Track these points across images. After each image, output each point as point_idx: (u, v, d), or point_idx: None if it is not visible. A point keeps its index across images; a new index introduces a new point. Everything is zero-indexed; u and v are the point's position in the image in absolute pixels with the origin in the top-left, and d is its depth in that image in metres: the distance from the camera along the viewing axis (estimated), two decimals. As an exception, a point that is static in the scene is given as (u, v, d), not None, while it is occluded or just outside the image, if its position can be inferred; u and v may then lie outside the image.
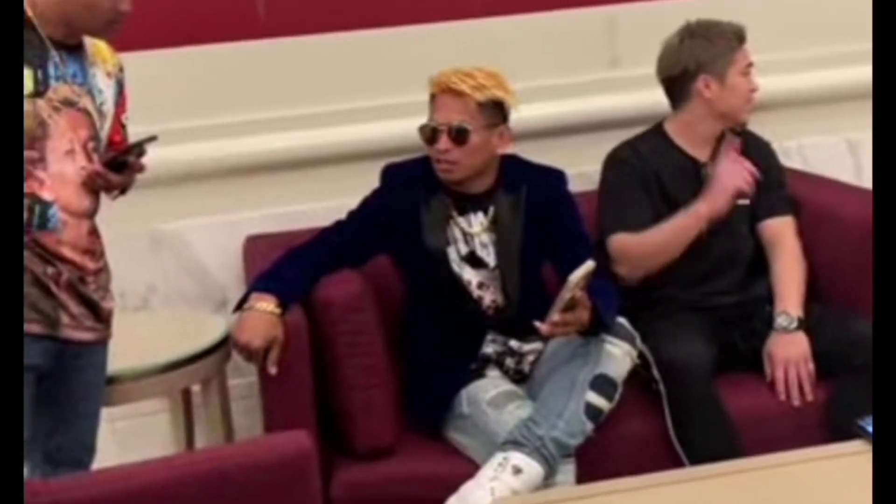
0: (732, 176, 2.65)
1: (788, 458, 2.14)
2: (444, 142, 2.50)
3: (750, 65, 2.78)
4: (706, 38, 2.74)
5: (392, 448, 2.48)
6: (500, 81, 2.52)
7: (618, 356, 2.42)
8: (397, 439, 2.50)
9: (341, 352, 2.45)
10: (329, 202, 2.81)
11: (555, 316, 2.30)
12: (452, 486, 2.30)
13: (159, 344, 2.56)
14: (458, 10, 3.04)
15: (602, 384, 2.38)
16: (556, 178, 2.64)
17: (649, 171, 2.75)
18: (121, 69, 2.19)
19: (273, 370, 2.36)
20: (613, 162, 2.80)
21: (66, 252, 2.05)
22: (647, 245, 2.68)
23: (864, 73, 3.12)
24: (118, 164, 2.10)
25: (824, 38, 3.26)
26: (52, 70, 2.02)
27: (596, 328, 2.38)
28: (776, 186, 2.84)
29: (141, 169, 2.15)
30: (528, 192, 2.58)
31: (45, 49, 2.01)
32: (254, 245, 2.87)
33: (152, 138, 2.11)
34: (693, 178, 2.77)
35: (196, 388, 2.66)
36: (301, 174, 2.96)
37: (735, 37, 2.75)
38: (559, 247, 2.57)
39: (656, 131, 2.83)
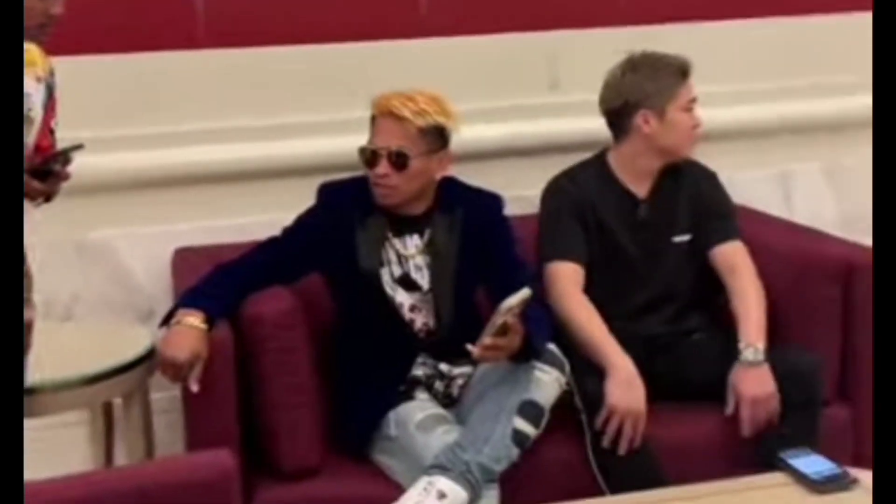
0: (628, 411, 2.48)
1: (710, 488, 2.15)
2: (383, 166, 2.48)
3: (693, 100, 2.73)
4: (649, 71, 2.70)
5: (317, 469, 2.45)
6: (443, 106, 2.50)
7: (546, 382, 2.41)
8: (323, 460, 2.47)
9: (269, 369, 2.42)
10: (262, 217, 2.77)
11: (486, 339, 2.29)
12: (376, 510, 2.28)
13: (82, 355, 2.50)
14: (402, 29, 3.03)
15: (530, 410, 2.38)
16: (493, 201, 2.63)
17: (586, 201, 2.74)
18: (52, 73, 2.14)
19: (195, 388, 2.32)
20: (552, 190, 2.79)
21: (-13, 259, 2.00)
22: (566, 312, 2.62)
23: (796, 108, 3.26)
24: (43, 172, 2.06)
25: (760, 73, 3.30)
26: None
27: (526, 354, 2.38)
28: (723, 215, 2.80)
29: (66, 177, 2.11)
30: (464, 215, 2.57)
31: None
32: (183, 257, 2.82)
33: (79, 146, 2.07)
34: (629, 213, 2.76)
35: (117, 400, 2.60)
36: (235, 187, 2.92)
37: (678, 71, 2.71)
38: (492, 271, 2.56)
39: (598, 160, 2.81)
